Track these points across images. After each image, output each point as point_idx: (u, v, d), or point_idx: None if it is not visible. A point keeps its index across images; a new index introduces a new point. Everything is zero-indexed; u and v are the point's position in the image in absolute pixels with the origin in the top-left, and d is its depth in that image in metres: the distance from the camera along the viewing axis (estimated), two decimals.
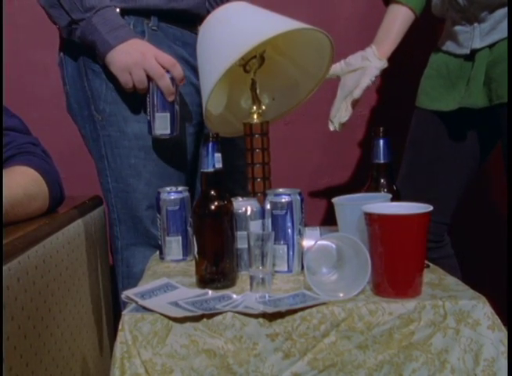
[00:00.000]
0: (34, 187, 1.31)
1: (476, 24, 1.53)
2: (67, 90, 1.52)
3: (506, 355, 1.00)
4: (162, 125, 1.40)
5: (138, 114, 1.44)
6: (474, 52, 1.54)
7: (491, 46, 1.51)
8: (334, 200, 1.17)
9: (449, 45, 1.61)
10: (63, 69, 1.51)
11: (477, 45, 1.53)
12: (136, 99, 1.42)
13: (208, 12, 1.46)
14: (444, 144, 1.63)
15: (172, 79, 1.38)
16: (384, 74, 2.11)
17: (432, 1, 1.63)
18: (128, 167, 1.47)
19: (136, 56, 1.36)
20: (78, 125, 1.53)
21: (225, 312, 1.00)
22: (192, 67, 1.49)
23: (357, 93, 1.55)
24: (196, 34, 1.48)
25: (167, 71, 1.38)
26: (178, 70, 1.39)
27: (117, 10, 1.41)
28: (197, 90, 1.45)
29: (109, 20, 1.37)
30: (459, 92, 1.56)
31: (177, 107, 1.41)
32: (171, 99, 1.39)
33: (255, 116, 1.35)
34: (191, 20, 1.50)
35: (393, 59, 2.12)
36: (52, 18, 1.43)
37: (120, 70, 1.38)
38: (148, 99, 1.40)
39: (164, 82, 1.37)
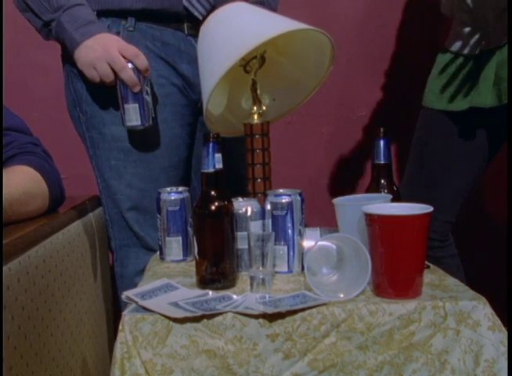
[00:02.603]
0: (33, 186, 1.31)
1: (485, 25, 1.52)
2: (64, 92, 1.53)
3: (506, 356, 1.00)
4: (132, 117, 1.40)
5: (116, 116, 1.44)
6: (483, 52, 1.54)
7: (500, 47, 1.51)
8: (335, 200, 1.17)
9: (458, 46, 1.60)
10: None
11: (486, 45, 1.53)
12: (114, 101, 1.42)
13: (186, 10, 1.45)
14: (452, 143, 1.63)
15: (137, 70, 1.37)
16: (385, 74, 2.12)
17: (441, 0, 1.63)
18: (109, 168, 1.48)
19: (99, 51, 1.36)
20: (74, 126, 1.54)
21: (226, 312, 1.00)
22: (172, 67, 1.48)
23: None
24: (180, 31, 1.47)
25: (132, 62, 1.37)
26: (141, 60, 1.38)
27: (90, 9, 1.41)
28: (180, 90, 1.46)
29: (76, 18, 1.38)
30: (469, 92, 1.56)
31: (146, 97, 1.40)
32: (135, 90, 1.38)
33: (256, 116, 1.35)
34: (170, 19, 1.48)
35: (394, 59, 2.12)
36: (30, 22, 1.44)
37: (86, 66, 1.38)
38: (117, 92, 1.40)
39: (126, 74, 1.37)
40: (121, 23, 1.44)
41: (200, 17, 1.46)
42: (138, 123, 1.40)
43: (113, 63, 1.36)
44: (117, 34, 1.43)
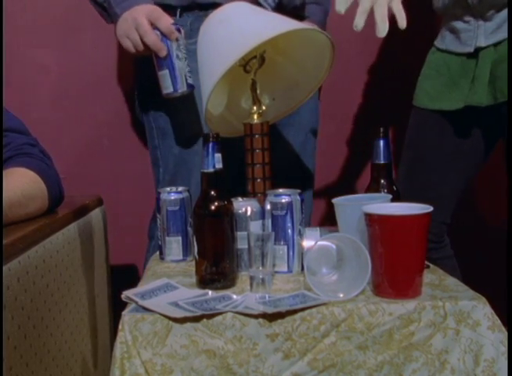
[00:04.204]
0: (32, 188, 1.31)
1: (481, 22, 1.51)
2: (135, 79, 1.54)
3: (506, 355, 1.00)
4: (165, 84, 1.38)
5: (191, 103, 1.43)
6: (478, 50, 1.53)
7: (496, 45, 1.50)
8: (334, 200, 1.17)
9: (450, 44, 1.59)
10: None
11: (482, 43, 1.51)
12: None
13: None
14: (446, 143, 1.63)
15: (163, 35, 1.36)
16: (384, 74, 2.12)
17: None
18: (174, 158, 1.47)
19: (131, 20, 1.36)
20: (140, 115, 1.55)
21: (225, 312, 1.00)
22: None
23: None
24: None
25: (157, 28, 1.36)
26: (163, 23, 1.36)
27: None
28: None
29: None
30: (463, 91, 1.55)
31: (177, 62, 1.37)
32: (161, 54, 1.36)
33: (255, 116, 1.35)
34: None
35: (394, 59, 2.12)
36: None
37: (120, 37, 1.38)
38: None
39: (148, 38, 1.35)
40: (203, 20, 1.43)
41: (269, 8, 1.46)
42: (171, 90, 1.38)
43: (138, 29, 1.35)
44: (198, 29, 1.42)
